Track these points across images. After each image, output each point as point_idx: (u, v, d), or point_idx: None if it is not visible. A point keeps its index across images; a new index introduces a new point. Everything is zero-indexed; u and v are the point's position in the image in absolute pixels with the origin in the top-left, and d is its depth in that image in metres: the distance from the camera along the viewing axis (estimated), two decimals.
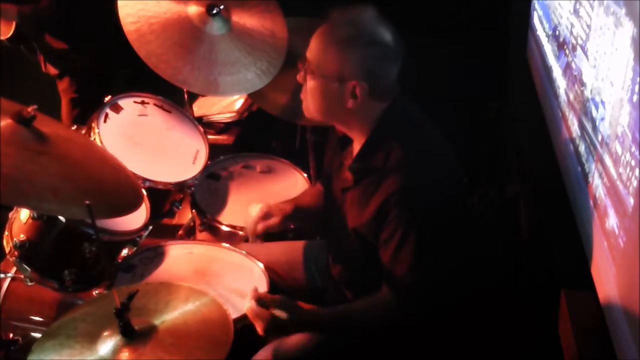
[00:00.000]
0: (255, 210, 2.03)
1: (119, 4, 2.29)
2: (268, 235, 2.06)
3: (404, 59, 1.73)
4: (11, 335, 2.02)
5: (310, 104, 1.78)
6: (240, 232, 2.29)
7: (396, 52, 1.70)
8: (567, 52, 2.11)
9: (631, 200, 1.37)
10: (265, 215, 2.01)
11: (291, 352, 1.84)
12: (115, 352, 1.43)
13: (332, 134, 2.01)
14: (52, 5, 2.90)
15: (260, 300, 1.68)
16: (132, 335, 1.44)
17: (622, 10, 1.51)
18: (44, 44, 3.00)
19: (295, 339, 1.85)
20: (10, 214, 2.03)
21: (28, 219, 1.95)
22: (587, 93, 1.79)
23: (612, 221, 1.49)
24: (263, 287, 2.01)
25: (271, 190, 2.55)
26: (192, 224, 2.54)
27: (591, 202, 1.68)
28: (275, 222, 2.01)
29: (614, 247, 1.48)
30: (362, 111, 1.74)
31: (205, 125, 2.94)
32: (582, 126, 1.82)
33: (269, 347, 1.85)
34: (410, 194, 1.67)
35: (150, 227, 2.26)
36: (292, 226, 2.20)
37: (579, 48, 1.94)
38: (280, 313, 1.65)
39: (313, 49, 1.74)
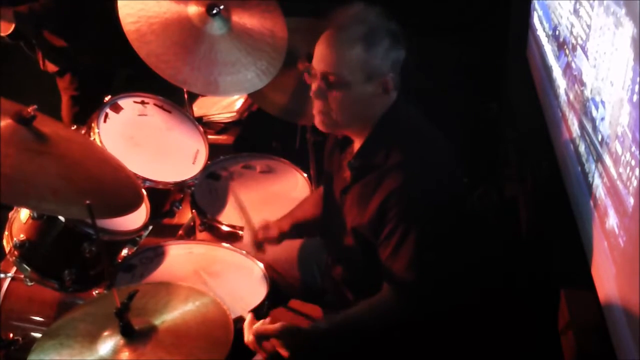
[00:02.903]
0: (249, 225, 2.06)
1: (119, 4, 2.29)
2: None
3: (406, 59, 1.73)
4: (11, 335, 2.02)
5: (340, 116, 1.73)
6: (240, 232, 2.29)
7: (403, 37, 1.71)
8: (567, 52, 2.11)
9: (631, 200, 1.37)
10: (265, 227, 2.05)
11: None
12: (115, 352, 1.43)
13: (330, 135, 2.01)
14: (50, 3, 2.90)
15: (258, 335, 1.64)
16: (132, 335, 1.44)
17: (622, 10, 1.51)
18: (43, 42, 3.00)
19: None
20: (10, 214, 2.03)
21: (28, 218, 1.95)
22: (587, 93, 1.79)
23: (612, 221, 1.49)
24: (263, 288, 2.01)
25: (271, 190, 2.55)
26: (192, 224, 2.54)
27: (591, 202, 1.68)
28: (274, 235, 2.03)
29: (614, 247, 1.48)
30: (373, 109, 1.74)
31: (205, 125, 2.94)
32: (582, 126, 1.82)
33: None
34: (410, 193, 1.67)
35: (150, 227, 2.26)
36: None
37: (579, 48, 1.94)
38: (282, 351, 1.61)
39: (331, 59, 1.69)
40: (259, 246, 2.04)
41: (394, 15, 1.73)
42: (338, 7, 1.73)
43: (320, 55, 1.70)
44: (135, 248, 2.18)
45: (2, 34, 2.97)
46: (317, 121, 1.78)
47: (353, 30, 1.67)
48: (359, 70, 1.67)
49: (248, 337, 1.66)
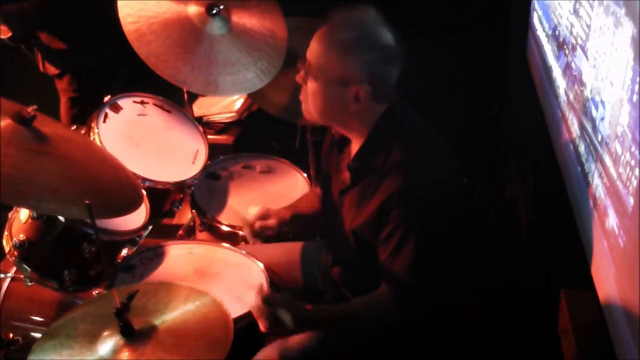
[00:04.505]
0: (253, 210, 2.05)
1: (119, 4, 2.29)
2: (268, 237, 2.06)
3: (404, 59, 1.72)
4: (11, 335, 2.02)
5: (311, 106, 1.77)
6: (240, 232, 2.29)
7: (397, 55, 1.69)
8: (567, 52, 2.11)
9: (631, 200, 1.37)
10: (263, 216, 2.04)
11: (296, 351, 1.84)
12: (115, 352, 1.43)
13: (327, 136, 2.01)
14: (40, 3, 2.88)
15: (266, 299, 1.67)
16: (132, 335, 1.44)
17: (622, 10, 1.51)
18: (41, 43, 2.99)
19: (299, 339, 1.85)
20: (10, 214, 2.03)
21: (28, 218, 1.95)
22: (587, 93, 1.79)
23: (612, 221, 1.49)
24: (263, 287, 2.01)
25: (271, 190, 2.55)
26: (192, 224, 2.54)
27: (591, 202, 1.68)
28: (273, 224, 2.02)
29: (614, 247, 1.48)
30: (362, 113, 1.74)
31: (205, 125, 2.94)
32: (582, 126, 1.82)
33: (273, 346, 1.86)
34: (410, 194, 1.67)
35: (150, 227, 2.26)
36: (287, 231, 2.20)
37: (578, 48, 1.94)
38: (285, 317, 1.65)
39: (314, 51, 1.72)
40: (258, 235, 2.04)
41: (392, 16, 1.72)
42: (341, 7, 1.73)
43: (310, 46, 1.74)
44: (135, 248, 2.18)
45: (3, 37, 2.96)
46: (302, 107, 1.81)
47: (341, 33, 1.68)
48: (334, 72, 1.68)
49: (256, 299, 1.68)
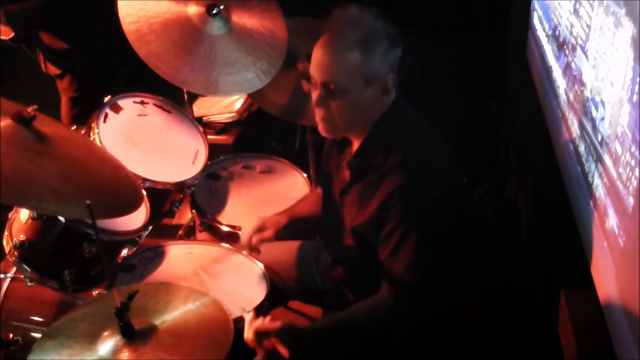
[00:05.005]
0: (249, 224, 2.04)
1: (119, 4, 2.29)
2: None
3: (404, 59, 1.73)
4: (11, 335, 2.02)
5: (341, 122, 1.74)
6: (240, 233, 2.29)
7: (398, 36, 1.71)
8: (567, 52, 2.11)
9: (631, 200, 1.37)
10: (260, 228, 2.01)
11: None
12: (115, 352, 1.43)
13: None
14: (43, 3, 2.88)
15: (259, 332, 1.65)
16: (132, 335, 1.44)
17: (622, 10, 1.51)
18: (42, 43, 3.00)
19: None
20: (10, 214, 2.03)
21: (28, 219, 1.95)
22: (587, 93, 1.79)
23: (612, 221, 1.49)
24: (263, 288, 2.01)
25: (271, 190, 2.55)
26: (192, 224, 2.54)
27: (591, 202, 1.68)
28: (270, 235, 2.00)
29: (614, 247, 1.48)
30: (374, 109, 1.74)
31: (205, 125, 2.94)
32: (582, 126, 1.82)
33: None
34: (411, 193, 1.68)
35: (150, 227, 2.26)
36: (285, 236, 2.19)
37: (578, 48, 1.94)
38: (282, 349, 1.61)
39: (329, 67, 1.68)
40: (256, 250, 2.04)
41: (392, 15, 1.72)
42: (335, 9, 1.72)
43: (319, 63, 1.70)
44: (135, 248, 2.18)
45: (5, 37, 2.96)
46: (321, 128, 1.78)
47: (349, 35, 1.67)
48: (357, 76, 1.67)
49: (248, 334, 1.66)
